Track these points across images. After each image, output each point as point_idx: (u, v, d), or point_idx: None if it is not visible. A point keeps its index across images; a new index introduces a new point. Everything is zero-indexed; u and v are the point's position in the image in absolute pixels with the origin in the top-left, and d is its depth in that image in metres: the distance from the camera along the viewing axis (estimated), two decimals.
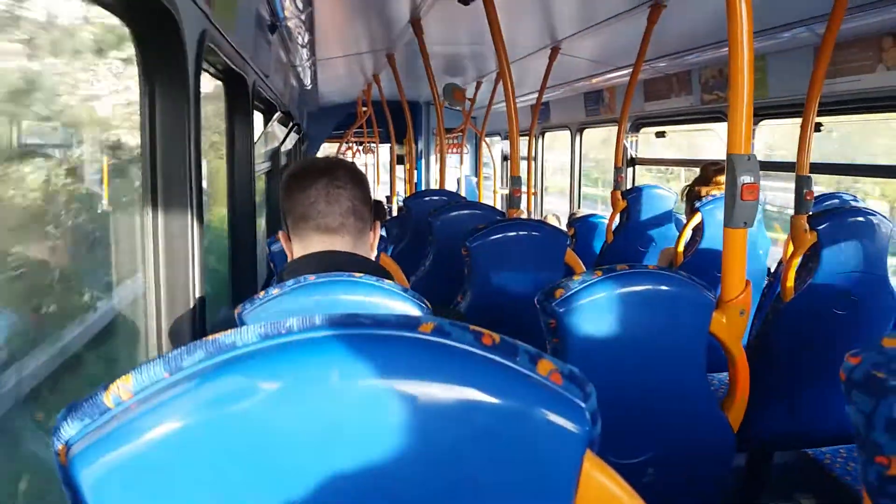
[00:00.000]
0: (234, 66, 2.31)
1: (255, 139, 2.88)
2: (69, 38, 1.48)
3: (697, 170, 3.16)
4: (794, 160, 2.48)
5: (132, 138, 1.58)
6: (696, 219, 2.91)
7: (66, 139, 1.55)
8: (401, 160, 8.89)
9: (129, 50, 1.47)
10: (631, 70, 3.50)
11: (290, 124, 4.84)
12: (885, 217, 2.21)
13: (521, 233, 2.41)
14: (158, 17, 1.40)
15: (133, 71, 1.49)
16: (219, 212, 2.90)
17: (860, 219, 2.20)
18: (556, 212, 6.08)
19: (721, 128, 4.30)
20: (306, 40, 3.72)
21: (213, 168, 2.87)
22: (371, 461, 0.49)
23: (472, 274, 2.36)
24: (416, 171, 7.79)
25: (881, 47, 2.77)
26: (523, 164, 5.25)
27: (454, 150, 8.65)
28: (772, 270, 3.07)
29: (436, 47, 4.15)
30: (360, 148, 10.56)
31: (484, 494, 0.51)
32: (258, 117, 3.71)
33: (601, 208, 7.20)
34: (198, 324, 1.57)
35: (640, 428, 1.51)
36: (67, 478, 0.47)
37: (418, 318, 0.53)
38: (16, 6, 1.18)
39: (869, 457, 0.73)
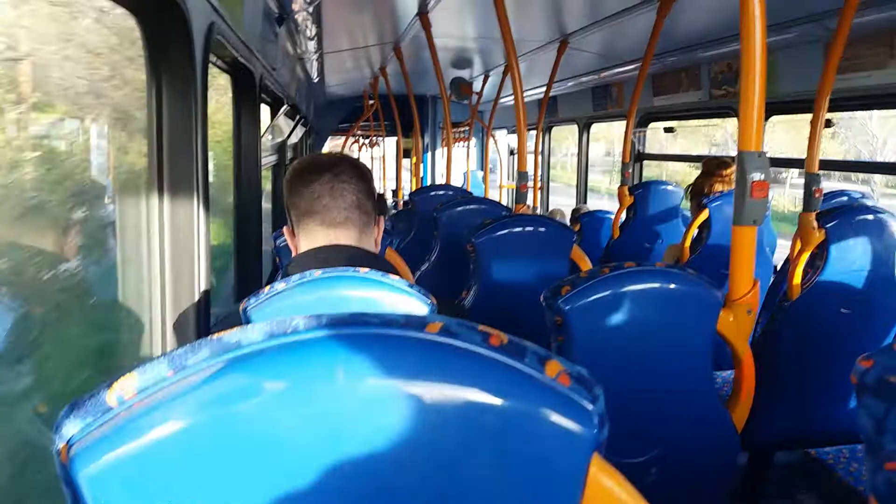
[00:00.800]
0: (241, 59, 2.30)
1: (262, 132, 2.88)
2: None
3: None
4: (803, 157, 2.46)
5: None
6: (703, 215, 2.89)
7: None
8: (407, 154, 8.88)
9: None
10: (639, 65, 3.47)
11: (297, 117, 4.83)
12: (894, 215, 2.19)
13: (526, 228, 2.40)
14: (166, 9, 1.39)
15: None
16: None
17: (869, 217, 2.18)
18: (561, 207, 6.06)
19: (728, 123, 4.27)
20: (313, 33, 3.70)
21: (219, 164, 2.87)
22: (376, 462, 0.49)
23: (478, 269, 2.36)
24: (422, 165, 7.77)
25: (893, 43, 2.74)
26: (530, 159, 5.22)
27: (461, 143, 8.63)
28: (778, 268, 3.05)
29: (443, 40, 4.14)
30: (367, 141, 10.56)
31: (490, 496, 0.51)
32: (265, 110, 3.70)
33: None
34: (202, 318, 1.57)
35: (645, 426, 1.50)
36: (67, 477, 0.47)
37: (425, 317, 0.52)
38: None
39: (878, 463, 0.72)
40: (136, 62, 1.50)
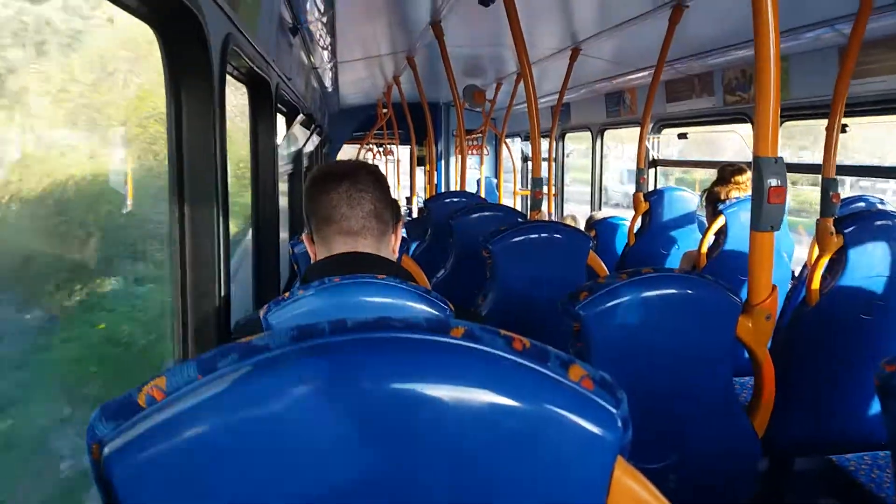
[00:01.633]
0: (257, 69, 2.33)
1: (278, 141, 2.90)
2: None
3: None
4: (820, 162, 2.44)
5: None
6: (720, 221, 2.88)
7: None
8: (421, 162, 8.91)
9: None
10: (652, 71, 3.47)
11: (312, 126, 4.87)
12: None
13: (542, 235, 2.40)
14: (183, 20, 1.42)
15: None
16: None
17: (888, 222, 2.17)
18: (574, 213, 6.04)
19: (742, 129, 4.25)
20: (327, 43, 3.74)
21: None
22: (401, 464, 0.50)
23: (494, 276, 2.36)
24: (436, 173, 7.80)
25: None
26: (544, 166, 5.22)
27: (474, 151, 8.65)
28: (796, 274, 3.03)
29: (456, 49, 4.16)
30: (381, 150, 10.61)
31: (515, 499, 0.51)
32: (281, 120, 3.73)
33: None
34: (223, 324, 1.59)
35: (665, 432, 1.49)
36: (101, 475, 0.48)
37: (448, 322, 0.53)
38: None
39: None
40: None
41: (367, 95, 7.80)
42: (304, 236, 1.37)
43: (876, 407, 2.07)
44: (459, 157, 4.88)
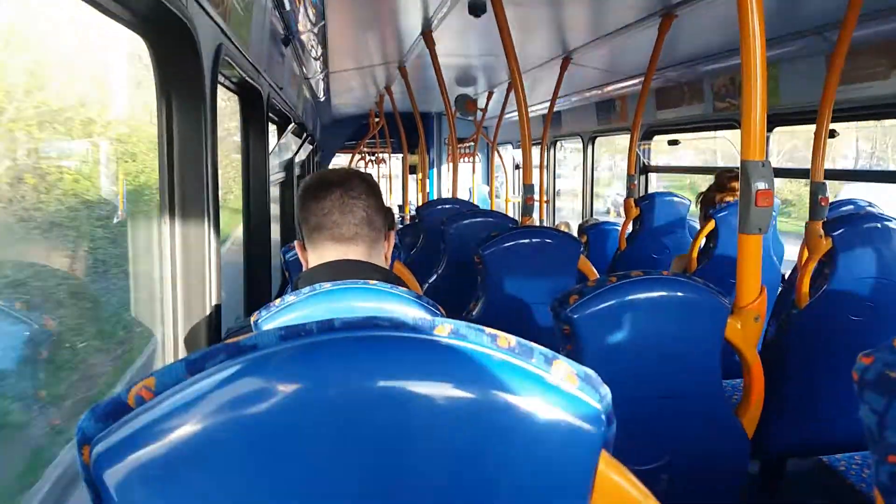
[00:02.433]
0: (248, 79, 2.34)
1: (270, 150, 2.91)
2: None
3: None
4: (808, 167, 2.47)
5: None
6: (710, 226, 2.90)
7: None
8: (413, 170, 8.93)
9: None
10: (642, 79, 3.50)
11: (304, 135, 4.89)
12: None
13: (533, 240, 2.41)
14: (175, 31, 1.43)
15: None
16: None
17: (876, 225, 2.19)
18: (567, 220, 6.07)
19: (733, 135, 4.28)
20: (319, 53, 3.76)
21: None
22: (389, 461, 0.50)
23: (485, 281, 2.37)
24: (428, 181, 7.82)
25: (894, 54, 2.76)
26: (535, 173, 5.23)
27: (466, 159, 8.68)
28: (786, 277, 3.05)
29: (447, 59, 4.18)
30: (373, 158, 10.63)
31: (500, 494, 0.52)
32: (272, 129, 3.75)
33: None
34: (213, 331, 1.59)
35: (655, 434, 1.50)
36: (90, 477, 0.48)
37: (434, 321, 0.54)
38: None
39: (881, 456, 0.73)
40: None
41: (360, 105, 7.83)
42: (296, 244, 1.37)
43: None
44: (451, 164, 4.91)
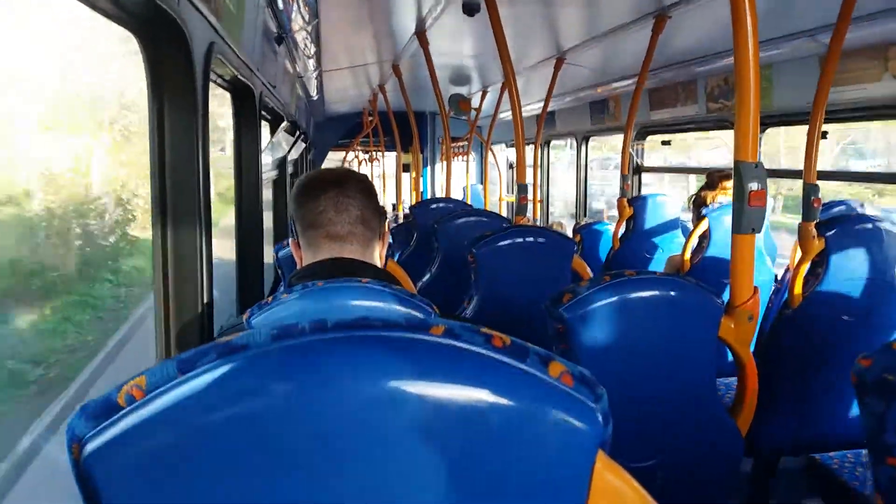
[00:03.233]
0: (241, 77, 2.33)
1: (262, 148, 2.90)
2: None
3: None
4: (801, 168, 2.48)
5: None
6: (703, 225, 2.91)
7: None
8: (407, 168, 8.93)
9: None
10: (636, 80, 3.51)
11: (297, 134, 4.87)
12: (893, 223, 2.20)
13: (527, 239, 2.41)
14: (167, 29, 1.42)
15: None
16: None
17: (868, 226, 2.20)
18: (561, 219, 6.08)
19: (726, 135, 4.30)
20: (312, 51, 3.74)
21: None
22: (382, 462, 0.50)
23: (478, 280, 2.37)
24: (421, 180, 7.81)
25: (886, 56, 2.77)
26: (529, 172, 5.23)
27: (460, 158, 8.68)
28: (779, 277, 3.07)
29: (441, 58, 4.18)
30: (367, 157, 10.61)
31: (496, 495, 0.51)
32: (265, 127, 3.73)
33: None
34: (206, 330, 1.58)
35: (649, 433, 1.50)
36: (81, 475, 0.48)
37: (428, 320, 0.53)
38: None
39: (880, 458, 0.73)
40: None
41: (353, 103, 7.81)
42: (290, 242, 1.37)
43: (857, 406, 2.10)
44: (445, 163, 4.90)
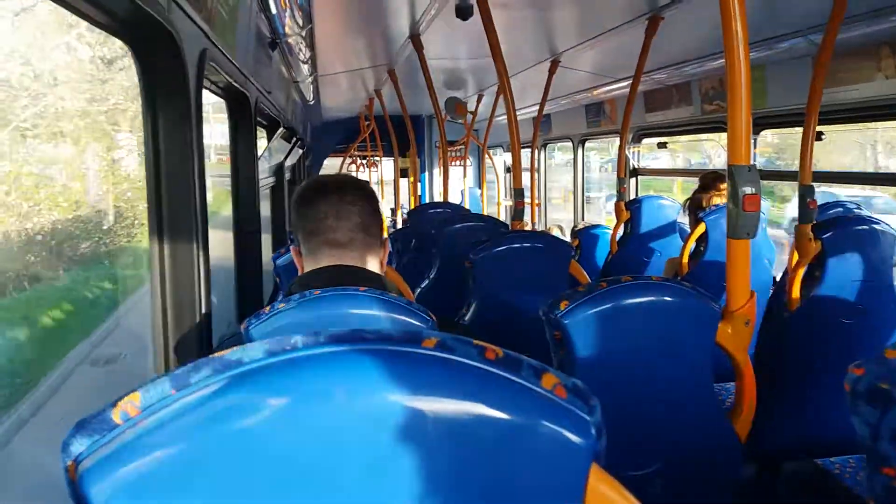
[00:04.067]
0: (235, 84, 2.33)
1: (259, 155, 2.90)
2: None
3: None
4: (796, 169, 2.48)
5: None
6: (700, 229, 2.91)
7: None
8: (404, 173, 8.94)
9: None
10: (631, 82, 3.51)
11: (294, 139, 4.87)
12: (889, 226, 2.20)
13: (524, 245, 2.41)
14: (158, 37, 1.41)
15: None
16: None
17: (865, 228, 2.20)
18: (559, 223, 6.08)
19: (722, 137, 4.30)
20: (307, 56, 3.74)
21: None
22: (377, 477, 0.50)
23: (476, 286, 2.36)
24: (419, 184, 7.81)
25: (879, 56, 2.78)
26: (526, 176, 5.23)
27: (457, 162, 8.68)
28: (777, 280, 3.06)
29: (436, 62, 4.18)
30: (364, 162, 10.61)
31: None
32: (261, 133, 3.73)
33: None
34: (204, 339, 1.58)
35: (647, 439, 1.50)
36: (77, 494, 0.48)
37: (421, 333, 0.53)
38: None
39: (875, 468, 0.73)
40: None
41: (350, 108, 7.81)
42: (291, 249, 1.36)
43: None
44: (442, 168, 4.90)
